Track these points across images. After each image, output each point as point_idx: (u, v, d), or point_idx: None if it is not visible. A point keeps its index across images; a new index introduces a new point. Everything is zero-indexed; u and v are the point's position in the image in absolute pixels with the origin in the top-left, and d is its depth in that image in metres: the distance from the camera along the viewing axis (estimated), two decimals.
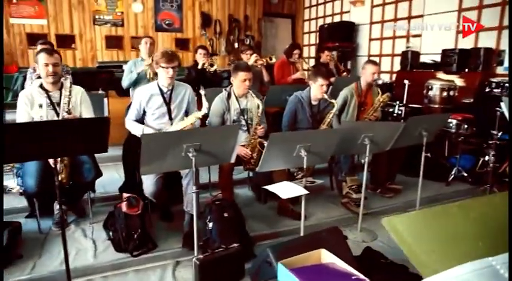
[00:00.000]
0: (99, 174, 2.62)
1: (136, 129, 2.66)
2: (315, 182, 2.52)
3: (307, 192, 2.33)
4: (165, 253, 2.42)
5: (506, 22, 4.36)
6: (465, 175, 3.82)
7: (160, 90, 2.68)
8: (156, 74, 3.94)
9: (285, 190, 2.37)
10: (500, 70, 4.49)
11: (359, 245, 2.65)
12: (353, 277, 1.38)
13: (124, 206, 2.45)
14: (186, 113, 2.81)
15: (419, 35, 5.52)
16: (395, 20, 5.95)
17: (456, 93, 4.21)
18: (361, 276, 1.40)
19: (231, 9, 7.54)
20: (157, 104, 2.67)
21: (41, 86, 2.61)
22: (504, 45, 4.42)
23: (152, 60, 4.00)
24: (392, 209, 3.28)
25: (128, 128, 2.79)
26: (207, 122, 3.55)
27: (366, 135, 2.68)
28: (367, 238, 2.82)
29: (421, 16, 5.47)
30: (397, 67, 5.82)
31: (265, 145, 2.93)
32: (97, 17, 6.52)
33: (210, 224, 2.37)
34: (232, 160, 2.31)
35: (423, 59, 5.40)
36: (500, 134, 3.09)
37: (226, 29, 7.55)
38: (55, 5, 6.25)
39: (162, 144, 1.96)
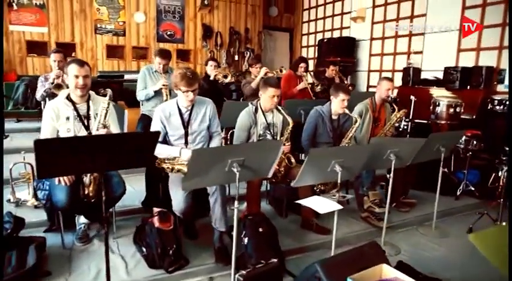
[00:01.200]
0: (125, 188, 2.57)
1: (171, 152, 2.55)
2: (346, 197, 2.55)
3: (341, 207, 2.35)
4: (198, 269, 2.37)
5: (506, 42, 4.57)
6: (472, 189, 3.95)
7: (179, 110, 2.63)
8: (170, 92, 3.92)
9: (320, 204, 2.39)
10: (501, 88, 4.68)
11: None
12: None
13: (156, 221, 2.40)
14: (208, 129, 2.77)
15: (420, 52, 5.71)
16: (396, 36, 6.14)
17: (462, 110, 4.36)
18: None
19: (232, 22, 7.61)
20: (176, 125, 2.62)
21: (68, 97, 2.55)
22: (504, 64, 4.62)
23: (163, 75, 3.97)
24: (410, 223, 3.35)
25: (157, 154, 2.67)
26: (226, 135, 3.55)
27: (391, 151, 2.75)
28: (392, 251, 2.84)
29: (422, 34, 5.67)
30: (397, 83, 5.98)
31: (293, 160, 2.99)
32: (99, 26, 6.45)
33: (245, 240, 2.35)
34: (270, 175, 2.32)
35: (424, 75, 5.58)
36: None
37: (227, 41, 7.61)
38: (57, 13, 6.16)
39: (209, 159, 1.95)
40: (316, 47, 7.97)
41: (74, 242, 2.62)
